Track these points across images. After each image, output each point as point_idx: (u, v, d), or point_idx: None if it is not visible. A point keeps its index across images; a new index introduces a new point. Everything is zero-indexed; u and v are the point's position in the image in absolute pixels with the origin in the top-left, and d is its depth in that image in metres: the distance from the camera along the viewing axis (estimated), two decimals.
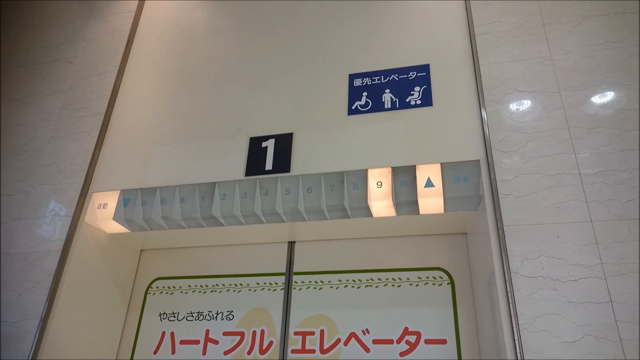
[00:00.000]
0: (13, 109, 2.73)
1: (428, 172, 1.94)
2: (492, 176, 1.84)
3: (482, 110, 1.98)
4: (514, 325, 1.57)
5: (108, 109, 2.53)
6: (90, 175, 2.35)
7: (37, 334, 2.00)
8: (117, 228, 2.32)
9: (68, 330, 2.10)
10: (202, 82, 2.50)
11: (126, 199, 2.25)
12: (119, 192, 2.28)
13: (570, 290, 1.58)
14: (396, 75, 2.22)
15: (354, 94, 2.22)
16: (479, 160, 1.90)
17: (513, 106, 1.96)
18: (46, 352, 1.98)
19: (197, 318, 2.37)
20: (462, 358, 1.98)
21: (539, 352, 1.52)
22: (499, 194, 1.80)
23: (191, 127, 2.37)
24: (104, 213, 2.25)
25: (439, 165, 1.94)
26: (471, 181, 1.88)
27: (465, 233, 2.22)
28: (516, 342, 1.54)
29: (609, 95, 1.87)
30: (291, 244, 2.44)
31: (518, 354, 1.52)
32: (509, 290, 1.63)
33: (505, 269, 1.66)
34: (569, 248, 1.64)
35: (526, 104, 1.95)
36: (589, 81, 1.92)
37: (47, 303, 2.05)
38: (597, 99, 1.88)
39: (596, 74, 1.93)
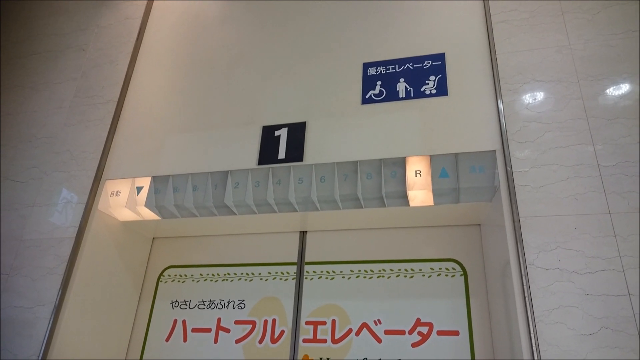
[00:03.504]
0: (26, 96, 2.74)
1: (442, 163, 1.92)
2: (508, 167, 1.81)
3: (499, 100, 1.95)
4: (530, 317, 1.55)
5: (120, 96, 2.53)
6: (103, 162, 2.36)
7: (51, 320, 2.02)
8: (129, 216, 2.33)
9: (81, 317, 2.11)
10: (214, 70, 2.49)
11: (139, 186, 2.25)
12: (131, 180, 2.28)
13: (588, 282, 1.56)
14: (411, 64, 2.19)
15: (368, 82, 2.20)
16: (494, 150, 1.88)
17: (530, 96, 1.93)
18: (59, 338, 2.00)
19: (208, 306, 2.38)
20: (475, 349, 1.97)
21: (555, 345, 1.51)
22: (515, 185, 1.77)
23: (204, 115, 2.36)
24: (116, 200, 2.26)
25: (453, 155, 1.92)
26: (487, 172, 1.86)
27: (479, 224, 2.20)
28: (532, 334, 1.53)
29: (629, 85, 1.84)
30: (303, 234, 2.43)
31: (533, 346, 1.51)
32: (524, 282, 1.61)
33: (520, 260, 1.65)
34: (587, 240, 1.62)
35: (544, 94, 1.91)
36: (609, 71, 1.88)
37: (60, 289, 2.07)
38: (616, 89, 1.84)
39: (616, 64, 1.89)
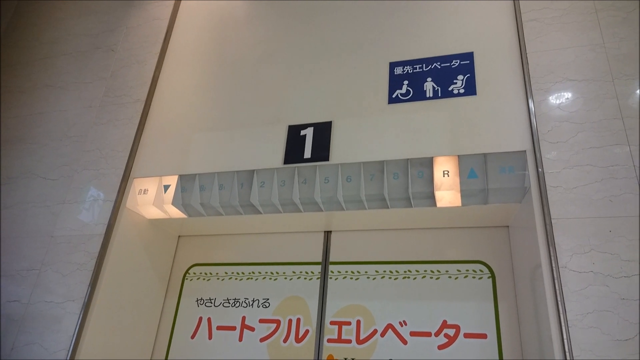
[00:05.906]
0: (57, 95, 2.79)
1: (471, 163, 1.89)
2: (539, 168, 1.78)
3: (529, 99, 1.91)
4: (562, 321, 1.52)
5: (148, 96, 2.56)
6: (131, 161, 2.39)
7: (81, 315, 2.05)
8: (156, 214, 2.35)
9: (109, 312, 2.15)
10: (241, 70, 2.50)
11: (166, 185, 2.28)
12: (159, 178, 2.31)
13: (624, 286, 1.52)
14: (438, 63, 2.17)
15: (394, 82, 2.18)
16: (525, 151, 1.84)
17: (562, 95, 1.89)
18: (89, 333, 2.03)
19: (233, 304, 2.39)
20: (503, 353, 1.93)
21: (589, 350, 1.47)
22: (547, 186, 1.73)
23: (230, 114, 2.37)
24: (144, 199, 2.29)
25: (482, 155, 1.89)
26: (517, 173, 1.83)
27: (507, 226, 2.16)
28: (564, 339, 1.49)
29: None
30: (327, 234, 2.42)
31: (566, 351, 1.48)
32: (556, 285, 1.57)
33: (552, 263, 1.61)
34: (622, 243, 1.57)
35: (577, 93, 1.87)
36: None
37: (90, 285, 2.10)
38: None
39: None
